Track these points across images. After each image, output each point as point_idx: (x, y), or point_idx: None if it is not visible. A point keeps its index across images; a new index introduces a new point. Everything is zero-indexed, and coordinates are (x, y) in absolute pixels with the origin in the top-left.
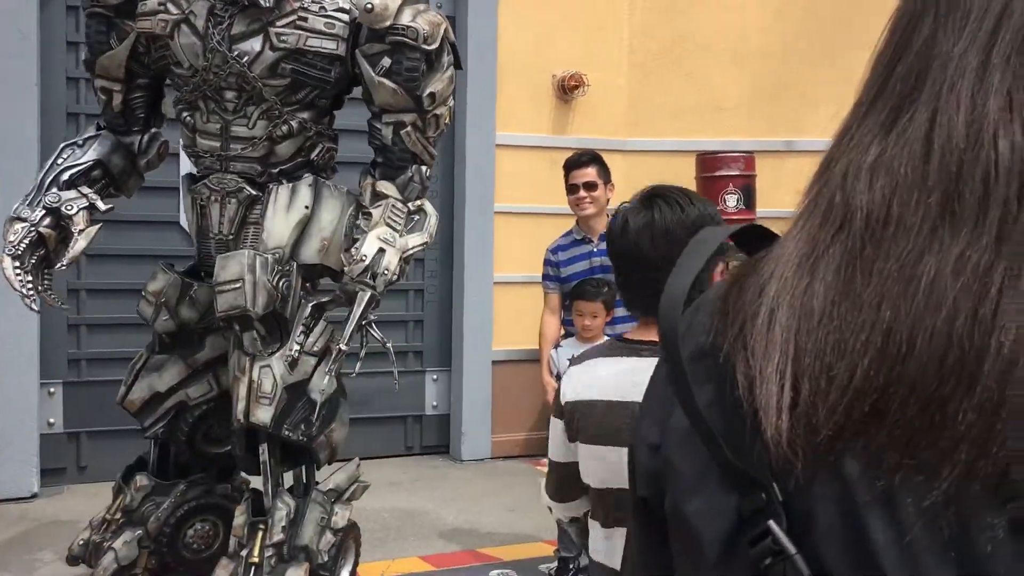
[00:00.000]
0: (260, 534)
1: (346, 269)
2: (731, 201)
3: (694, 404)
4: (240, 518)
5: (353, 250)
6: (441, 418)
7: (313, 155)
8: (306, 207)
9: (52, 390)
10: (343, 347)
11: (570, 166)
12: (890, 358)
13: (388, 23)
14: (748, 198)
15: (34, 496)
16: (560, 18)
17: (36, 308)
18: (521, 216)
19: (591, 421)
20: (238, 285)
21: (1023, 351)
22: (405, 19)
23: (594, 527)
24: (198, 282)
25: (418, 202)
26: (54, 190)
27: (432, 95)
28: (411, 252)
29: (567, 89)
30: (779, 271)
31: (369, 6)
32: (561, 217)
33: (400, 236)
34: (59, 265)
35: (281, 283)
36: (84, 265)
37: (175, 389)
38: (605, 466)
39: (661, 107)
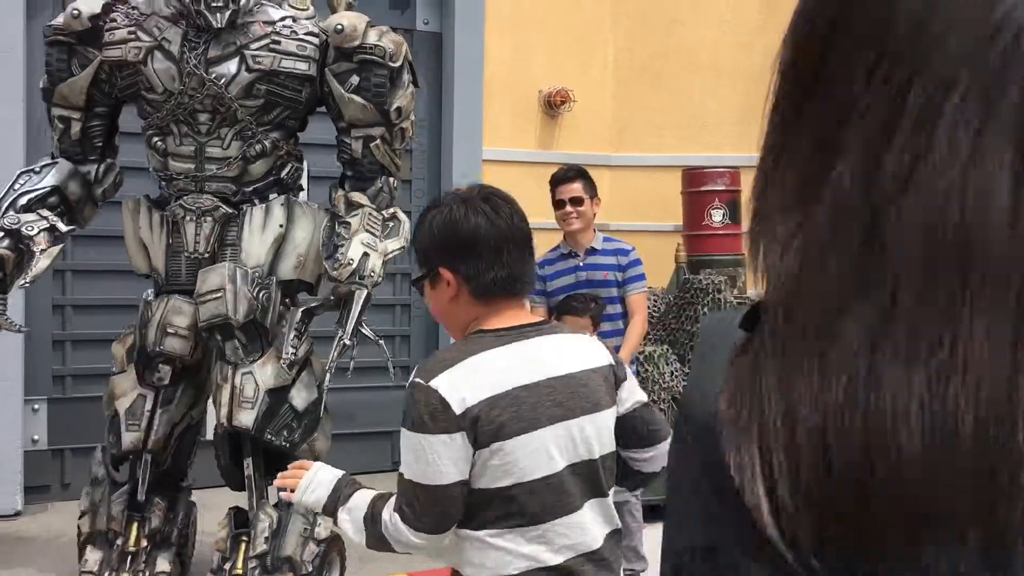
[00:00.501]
0: (243, 546)
1: (333, 274)
2: (717, 216)
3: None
4: (222, 532)
5: (340, 255)
6: None
7: (283, 174)
8: (280, 226)
9: (36, 407)
10: (347, 341)
11: (556, 181)
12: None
13: (356, 43)
14: (734, 213)
15: (18, 514)
16: (545, 34)
17: None
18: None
19: (519, 410)
20: (219, 295)
21: None
22: (372, 39)
23: (515, 538)
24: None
25: (391, 210)
26: (11, 213)
27: (399, 109)
28: (391, 255)
29: (553, 105)
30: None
31: (339, 27)
32: (548, 232)
33: (380, 241)
34: (20, 283)
35: (261, 294)
36: (69, 281)
37: (186, 414)
38: (561, 443)
39: (646, 122)
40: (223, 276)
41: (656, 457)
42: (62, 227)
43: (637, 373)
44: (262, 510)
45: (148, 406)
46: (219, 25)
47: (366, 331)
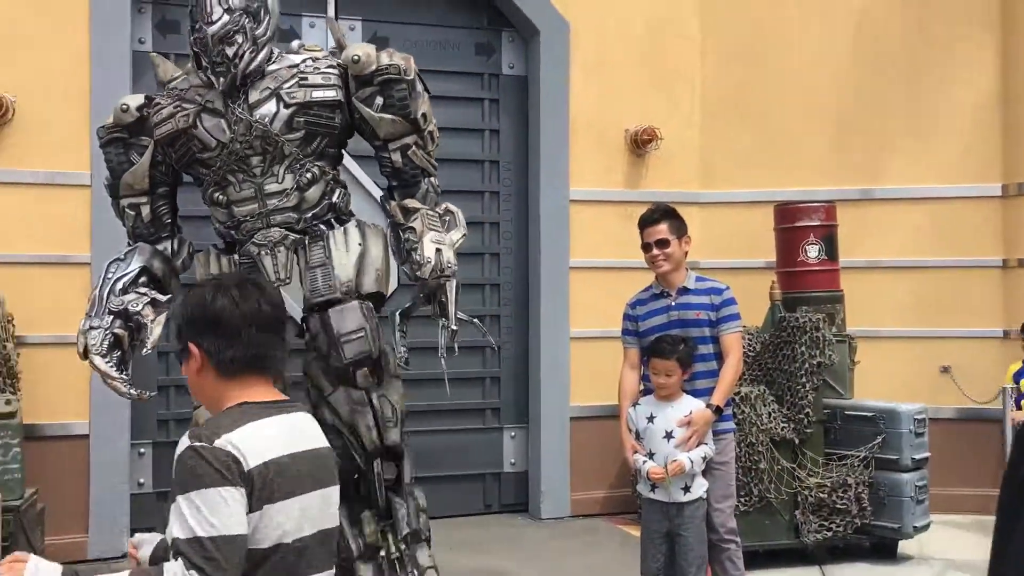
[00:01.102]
0: (388, 533)
1: (417, 274)
2: (812, 252)
3: None
4: (371, 526)
5: (417, 257)
6: (519, 475)
7: (335, 198)
8: (359, 244)
9: (142, 451)
10: (453, 327)
11: (642, 224)
12: None
13: (374, 67)
14: (830, 248)
15: (124, 556)
16: (631, 73)
17: (135, 393)
18: (597, 271)
19: (286, 477)
20: (362, 334)
21: None
22: (385, 60)
23: None
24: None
25: (443, 206)
26: (112, 298)
27: (424, 115)
28: (458, 243)
29: (640, 143)
30: None
31: (356, 58)
32: (638, 271)
33: (445, 234)
34: (144, 352)
35: (377, 324)
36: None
37: None
38: (301, 514)
39: (735, 158)
40: (360, 315)
41: None
42: (161, 298)
43: (733, 415)
44: (397, 498)
45: None
46: (220, 88)
47: (463, 316)
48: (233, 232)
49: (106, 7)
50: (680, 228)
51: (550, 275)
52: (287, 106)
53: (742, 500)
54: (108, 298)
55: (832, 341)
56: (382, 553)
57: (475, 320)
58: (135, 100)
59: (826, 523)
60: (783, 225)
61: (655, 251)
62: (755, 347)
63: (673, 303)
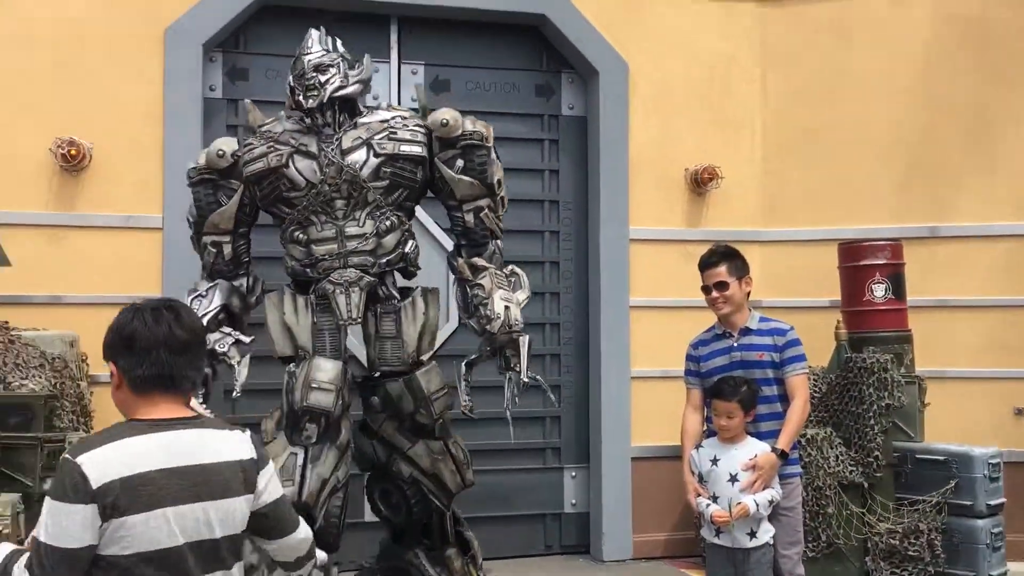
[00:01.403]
0: (471, 565)
1: (487, 328)
2: (879, 291)
3: None
4: (458, 560)
5: (488, 312)
6: (581, 516)
7: (407, 249)
8: (423, 313)
9: None
10: (525, 379)
11: (701, 266)
12: None
13: (459, 132)
14: (897, 287)
15: None
16: (690, 112)
17: None
18: (657, 310)
19: (148, 490)
20: (445, 391)
21: None
22: (469, 127)
23: None
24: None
25: (509, 267)
26: None
27: (499, 181)
28: (523, 304)
29: (700, 182)
30: None
31: (445, 121)
32: (698, 310)
33: (512, 294)
34: (235, 396)
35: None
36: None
37: (332, 474)
38: (183, 522)
39: (798, 196)
40: (441, 377)
41: (280, 549)
42: (244, 339)
43: (800, 459)
44: (465, 531)
45: (299, 462)
46: (309, 105)
47: (532, 376)
48: (309, 269)
49: (180, 57)
50: (740, 269)
51: (610, 314)
52: (376, 156)
53: (810, 545)
54: None
55: (901, 382)
56: None
57: (539, 378)
58: (229, 145)
59: (898, 570)
60: (848, 263)
61: (715, 293)
62: (821, 388)
63: (735, 344)
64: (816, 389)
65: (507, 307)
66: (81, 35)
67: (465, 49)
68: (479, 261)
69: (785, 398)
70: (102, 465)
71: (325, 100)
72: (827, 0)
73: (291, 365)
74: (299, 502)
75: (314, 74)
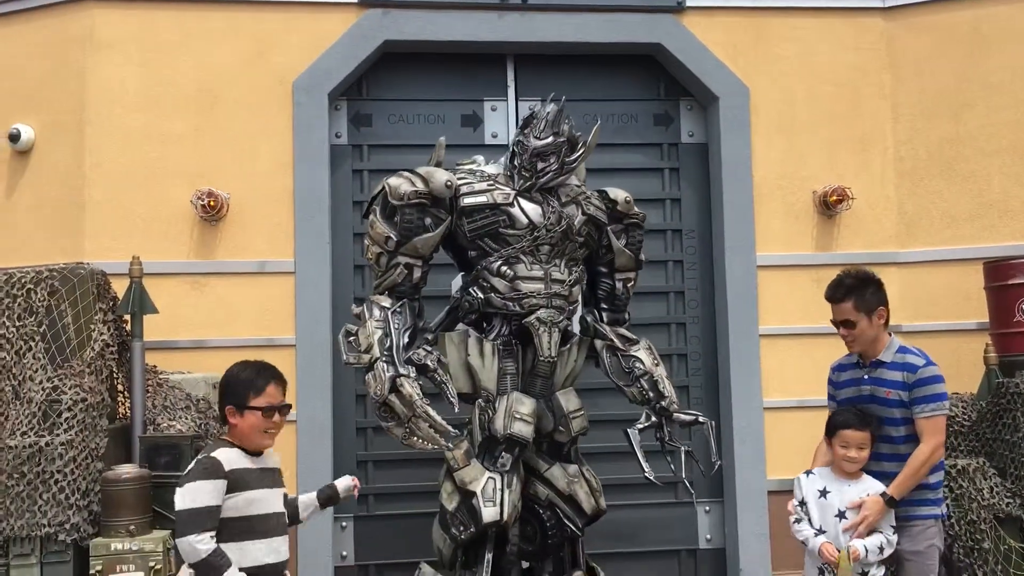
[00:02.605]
0: None
1: (662, 404)
2: None
3: None
4: None
5: (667, 392)
6: (716, 552)
7: (578, 301)
8: (574, 361)
9: (344, 524)
10: (718, 461)
11: (828, 299)
12: None
13: (632, 211)
14: None
15: None
16: (816, 133)
17: (449, 445)
18: (788, 338)
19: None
20: (582, 412)
21: None
22: (635, 208)
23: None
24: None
25: (644, 341)
26: (410, 352)
27: (643, 259)
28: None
29: (829, 204)
30: None
31: (628, 199)
32: (832, 337)
33: (662, 369)
34: (455, 409)
35: None
36: (368, 404)
37: (519, 500)
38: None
39: (937, 214)
40: (577, 398)
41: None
42: (444, 360)
43: (944, 499)
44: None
45: (498, 486)
46: (515, 188)
47: (718, 460)
48: (511, 303)
49: (307, 107)
50: (870, 303)
51: (739, 344)
52: (584, 214)
53: None
54: (400, 350)
55: None
56: None
57: (691, 450)
58: (454, 180)
59: None
60: (995, 283)
61: (842, 331)
62: (971, 416)
63: (866, 376)
64: (965, 416)
65: (670, 385)
66: (217, 93)
67: (581, 82)
68: (627, 333)
69: (913, 439)
70: (225, 461)
71: (534, 191)
72: (958, 8)
73: (480, 401)
74: (501, 522)
75: (534, 159)
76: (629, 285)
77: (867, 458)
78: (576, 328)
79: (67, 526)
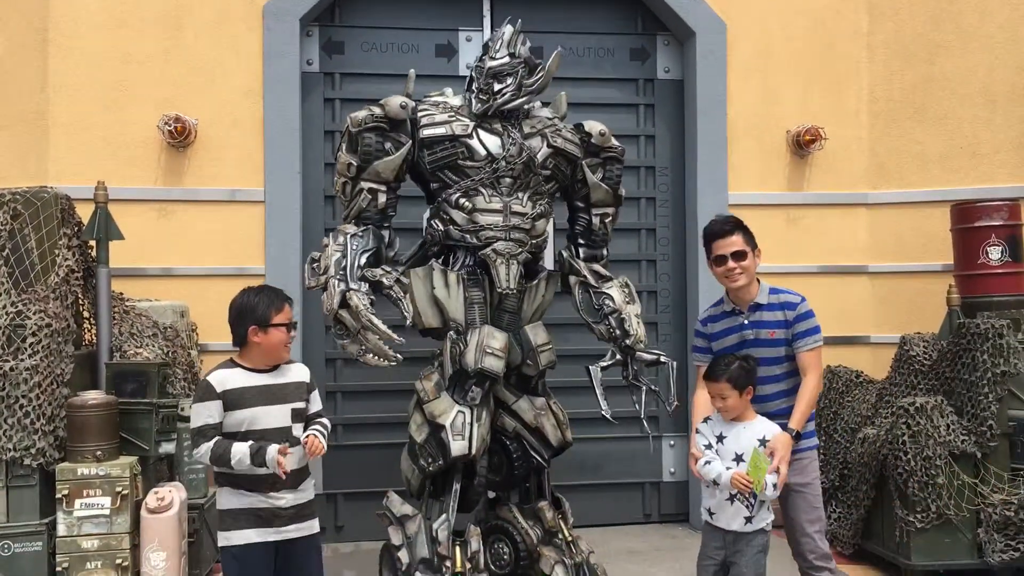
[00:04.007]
0: (560, 520)
1: (627, 342)
2: (994, 254)
3: None
4: (549, 513)
5: (629, 329)
6: (679, 485)
7: (546, 234)
8: (542, 296)
9: None
10: (675, 403)
11: (713, 235)
12: None
13: (609, 144)
14: (1015, 249)
15: None
16: (792, 72)
17: (398, 356)
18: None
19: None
20: (550, 346)
21: None
22: (613, 141)
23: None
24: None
25: (622, 278)
26: (367, 269)
27: (623, 194)
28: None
29: (802, 144)
30: None
31: (603, 132)
32: (804, 276)
33: (636, 307)
34: (407, 323)
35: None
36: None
37: (487, 434)
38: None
39: (908, 156)
40: (547, 331)
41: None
42: (404, 280)
43: (816, 430)
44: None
45: (467, 420)
46: (476, 110)
47: (675, 401)
48: (468, 236)
49: (277, 33)
50: (753, 241)
51: (709, 279)
52: (548, 146)
53: (919, 516)
54: (355, 268)
55: (1017, 348)
56: (559, 536)
57: (656, 389)
58: (409, 102)
59: (1012, 542)
60: (961, 225)
61: (731, 263)
62: (931, 355)
63: (746, 321)
64: (926, 356)
65: (639, 324)
66: (183, 15)
67: (558, 15)
68: (601, 269)
69: (794, 374)
70: (219, 382)
71: (491, 112)
72: None
73: (451, 333)
74: (469, 456)
75: (490, 81)
76: (607, 221)
77: (735, 405)
78: (550, 263)
79: (32, 451)
